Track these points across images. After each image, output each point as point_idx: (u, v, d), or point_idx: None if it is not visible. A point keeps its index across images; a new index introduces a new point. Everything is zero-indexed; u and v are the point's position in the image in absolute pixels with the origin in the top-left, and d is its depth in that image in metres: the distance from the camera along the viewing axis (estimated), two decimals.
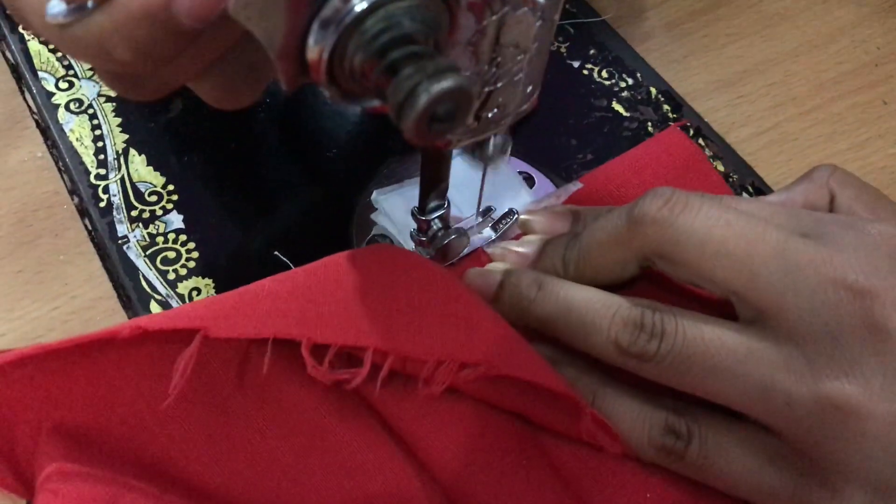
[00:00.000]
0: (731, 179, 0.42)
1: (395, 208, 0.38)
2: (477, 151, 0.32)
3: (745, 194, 0.42)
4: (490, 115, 0.30)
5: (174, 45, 0.24)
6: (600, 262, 0.32)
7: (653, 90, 0.45)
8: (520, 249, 0.36)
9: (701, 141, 0.43)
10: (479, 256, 0.37)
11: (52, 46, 0.45)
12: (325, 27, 0.21)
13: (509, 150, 0.33)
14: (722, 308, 0.29)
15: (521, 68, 0.28)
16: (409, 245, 0.37)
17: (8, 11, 0.27)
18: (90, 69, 0.44)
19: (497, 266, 0.35)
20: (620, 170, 0.40)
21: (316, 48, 0.22)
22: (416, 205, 0.35)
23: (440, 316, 0.29)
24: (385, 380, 0.28)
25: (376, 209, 0.39)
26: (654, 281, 0.32)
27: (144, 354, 0.27)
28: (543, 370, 0.30)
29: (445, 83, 0.21)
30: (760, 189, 0.42)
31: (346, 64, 0.22)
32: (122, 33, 0.23)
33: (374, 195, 0.39)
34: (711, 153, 0.43)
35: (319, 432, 0.29)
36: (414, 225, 0.36)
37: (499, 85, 0.29)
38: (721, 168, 0.43)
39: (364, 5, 0.21)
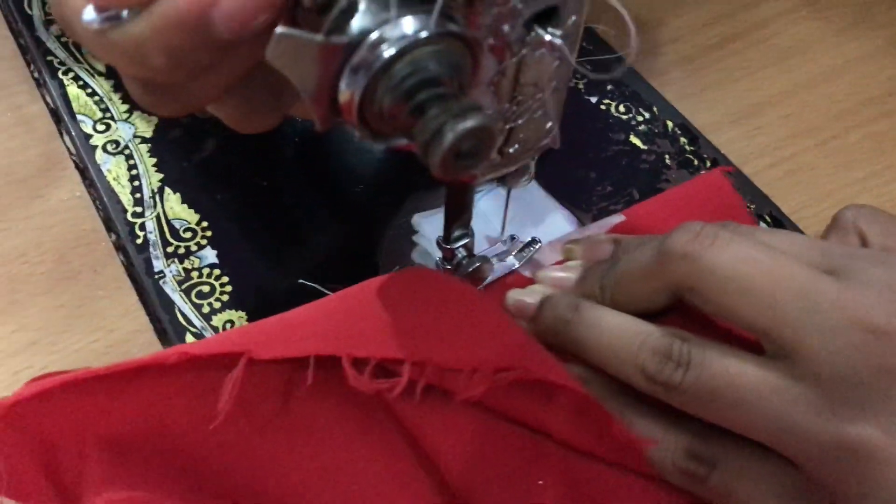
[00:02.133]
0: (748, 209, 0.43)
1: (433, 229, 0.41)
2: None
3: (762, 224, 0.42)
4: (512, 150, 0.31)
5: (208, 55, 0.25)
6: (633, 292, 0.33)
7: (669, 123, 0.46)
8: (560, 274, 0.37)
9: None
10: (520, 279, 0.38)
11: (89, 91, 0.47)
12: (356, 72, 0.23)
13: (532, 171, 0.34)
14: (752, 341, 0.30)
15: (541, 105, 0.30)
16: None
17: (54, 16, 0.27)
18: (126, 111, 0.46)
19: (537, 288, 0.37)
20: (661, 206, 0.41)
21: (347, 92, 0.23)
22: None
23: (472, 329, 0.30)
24: (420, 393, 0.28)
25: (416, 231, 0.41)
26: (687, 311, 0.33)
27: (188, 379, 0.28)
28: (574, 381, 0.30)
29: (470, 122, 0.22)
30: (778, 219, 0.43)
31: (376, 106, 0.23)
32: (159, 39, 0.24)
33: (413, 217, 0.41)
34: None
35: (352, 462, 0.30)
36: None
37: (520, 122, 0.30)
38: None
39: (392, 51, 0.22)
